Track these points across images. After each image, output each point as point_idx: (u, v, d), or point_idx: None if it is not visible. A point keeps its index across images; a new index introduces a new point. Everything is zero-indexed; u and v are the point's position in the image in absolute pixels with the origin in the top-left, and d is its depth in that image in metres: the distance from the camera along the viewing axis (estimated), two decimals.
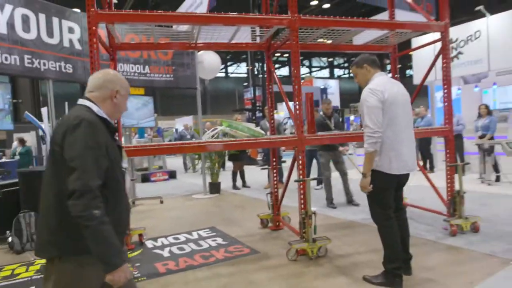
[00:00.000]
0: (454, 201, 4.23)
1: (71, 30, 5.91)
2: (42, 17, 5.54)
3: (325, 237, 3.70)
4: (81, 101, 1.66)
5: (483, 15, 8.33)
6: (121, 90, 1.72)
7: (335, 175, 6.13)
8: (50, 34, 5.62)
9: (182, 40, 4.60)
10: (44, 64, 5.54)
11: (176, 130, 27.66)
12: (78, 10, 6.93)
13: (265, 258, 3.76)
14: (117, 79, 1.73)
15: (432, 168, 9.23)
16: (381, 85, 2.83)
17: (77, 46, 5.98)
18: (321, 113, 6.25)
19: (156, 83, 7.22)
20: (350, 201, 5.96)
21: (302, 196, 3.71)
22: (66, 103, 11.84)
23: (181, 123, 26.74)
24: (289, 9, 3.77)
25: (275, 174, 4.97)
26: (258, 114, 18.14)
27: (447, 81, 4.41)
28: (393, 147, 2.78)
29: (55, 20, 5.69)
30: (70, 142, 1.47)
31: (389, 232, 2.85)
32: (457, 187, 4.29)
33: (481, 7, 8.21)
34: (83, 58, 5.98)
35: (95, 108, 1.64)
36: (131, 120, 7.32)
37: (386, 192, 2.87)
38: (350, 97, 24.02)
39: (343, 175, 5.99)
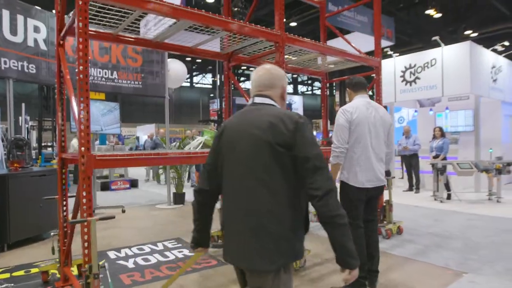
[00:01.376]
0: (384, 209, 5.05)
1: (36, 30, 5.67)
2: (5, 13, 5.28)
3: None
4: (263, 100, 1.56)
5: (438, 45, 9.00)
6: (285, 85, 1.65)
7: None
8: (13, 32, 5.36)
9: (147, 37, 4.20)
10: (5, 63, 5.25)
11: (138, 138, 26.87)
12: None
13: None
14: (282, 74, 1.63)
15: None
16: (354, 107, 3.11)
17: (43, 46, 5.74)
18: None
19: (124, 89, 7.06)
20: None
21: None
22: (23, 104, 11.23)
23: (143, 131, 26.08)
24: (276, 25, 3.81)
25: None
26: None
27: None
28: (359, 162, 3.04)
29: (20, 18, 5.44)
30: (305, 141, 1.40)
31: (355, 241, 2.98)
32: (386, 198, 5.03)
33: (437, 38, 8.87)
34: (48, 59, 5.74)
35: (278, 107, 1.57)
36: (95, 125, 7.07)
37: (354, 203, 3.05)
38: (313, 113, 24.74)
39: None
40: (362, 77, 3.40)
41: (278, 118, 1.43)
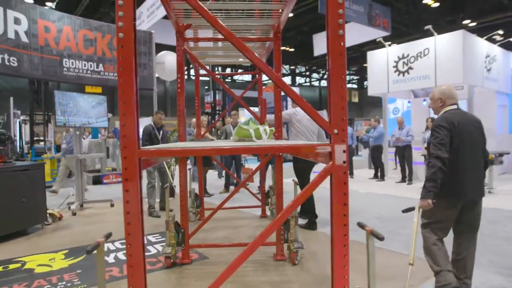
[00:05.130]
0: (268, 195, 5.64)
1: (17, 21, 5.55)
2: None
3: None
4: (457, 107, 2.80)
5: (432, 34, 8.87)
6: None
7: None
8: None
9: None
10: None
11: None
12: (31, 0, 6.56)
13: (213, 264, 3.71)
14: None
15: (382, 177, 9.65)
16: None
17: (24, 38, 5.62)
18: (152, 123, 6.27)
19: (111, 82, 6.96)
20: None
21: None
22: (12, 98, 11.14)
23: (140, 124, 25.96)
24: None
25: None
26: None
27: None
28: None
29: None
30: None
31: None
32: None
33: (429, 27, 8.73)
34: (30, 52, 5.63)
35: None
36: (83, 118, 6.98)
37: None
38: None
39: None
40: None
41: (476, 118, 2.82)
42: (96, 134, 12.72)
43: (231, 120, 8.00)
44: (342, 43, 1.51)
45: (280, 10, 3.24)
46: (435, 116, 2.91)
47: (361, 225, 1.89)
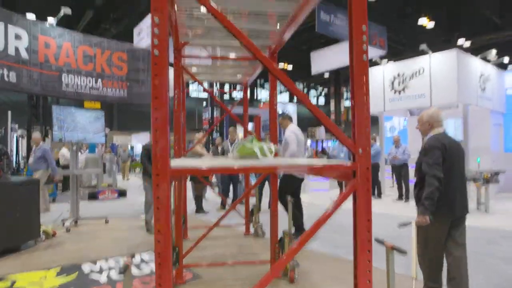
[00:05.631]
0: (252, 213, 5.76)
1: (18, 37, 5.62)
2: None
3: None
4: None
5: (426, 53, 9.02)
6: None
7: None
8: None
9: None
10: None
11: (132, 147, 26.65)
12: (33, 16, 6.66)
13: (208, 284, 3.66)
14: None
15: (379, 194, 9.63)
16: None
17: (24, 55, 5.69)
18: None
19: (109, 98, 7.00)
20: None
21: None
22: (9, 112, 11.16)
23: (137, 139, 25.95)
24: None
25: None
26: (215, 134, 18.13)
27: None
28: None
29: (0, 25, 5.39)
30: None
31: None
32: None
33: (424, 45, 8.89)
34: (30, 67, 5.68)
35: None
36: (80, 134, 6.99)
37: None
38: (308, 121, 24.78)
39: None
40: None
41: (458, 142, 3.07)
42: (94, 149, 12.69)
43: (229, 136, 8.03)
44: (365, 68, 1.64)
45: (279, 32, 3.30)
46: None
47: (379, 241, 1.83)
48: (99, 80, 6.81)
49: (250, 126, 6.88)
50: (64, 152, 11.06)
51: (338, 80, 31.65)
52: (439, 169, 2.75)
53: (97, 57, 6.75)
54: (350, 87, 1.64)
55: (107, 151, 14.79)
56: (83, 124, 6.75)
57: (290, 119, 5.46)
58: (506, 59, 11.88)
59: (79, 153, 7.26)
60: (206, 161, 2.62)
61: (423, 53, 9.24)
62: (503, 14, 16.55)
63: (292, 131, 5.18)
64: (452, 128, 9.78)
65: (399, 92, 9.70)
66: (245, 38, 1.61)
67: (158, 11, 1.45)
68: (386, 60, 10.46)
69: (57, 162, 10.44)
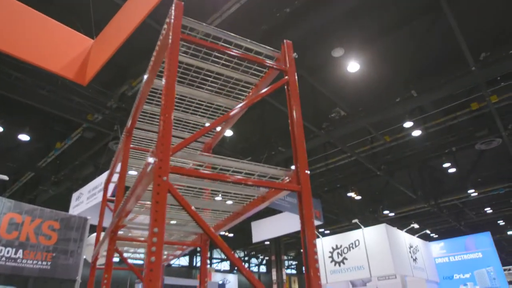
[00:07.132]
0: None
1: None
2: None
3: None
4: None
5: (359, 226, 9.68)
6: None
7: None
8: None
9: None
10: None
11: None
12: None
13: None
14: None
15: None
16: None
17: None
18: None
19: (26, 270, 6.15)
20: None
21: None
22: None
23: None
24: None
25: None
26: None
27: None
28: None
29: None
30: None
31: None
32: None
33: (356, 220, 9.62)
34: None
35: None
36: None
37: None
38: None
39: None
40: None
41: None
42: None
43: None
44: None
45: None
46: None
47: None
48: (20, 250, 6.11)
49: None
50: None
51: (278, 248, 31.62)
52: None
53: (24, 225, 6.24)
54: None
55: None
56: None
57: None
58: (428, 231, 13.07)
59: None
60: None
61: (357, 224, 9.90)
62: (416, 191, 19.06)
63: None
64: None
65: (339, 263, 9.83)
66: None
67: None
68: (327, 231, 10.94)
69: None
